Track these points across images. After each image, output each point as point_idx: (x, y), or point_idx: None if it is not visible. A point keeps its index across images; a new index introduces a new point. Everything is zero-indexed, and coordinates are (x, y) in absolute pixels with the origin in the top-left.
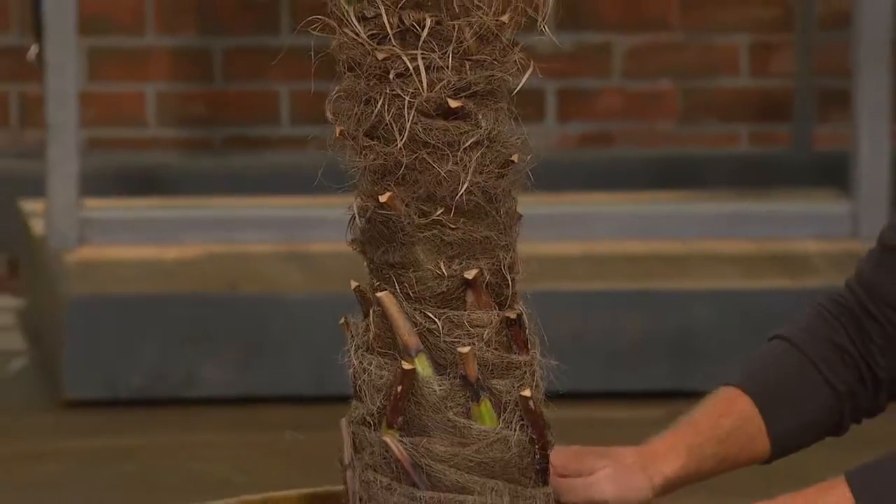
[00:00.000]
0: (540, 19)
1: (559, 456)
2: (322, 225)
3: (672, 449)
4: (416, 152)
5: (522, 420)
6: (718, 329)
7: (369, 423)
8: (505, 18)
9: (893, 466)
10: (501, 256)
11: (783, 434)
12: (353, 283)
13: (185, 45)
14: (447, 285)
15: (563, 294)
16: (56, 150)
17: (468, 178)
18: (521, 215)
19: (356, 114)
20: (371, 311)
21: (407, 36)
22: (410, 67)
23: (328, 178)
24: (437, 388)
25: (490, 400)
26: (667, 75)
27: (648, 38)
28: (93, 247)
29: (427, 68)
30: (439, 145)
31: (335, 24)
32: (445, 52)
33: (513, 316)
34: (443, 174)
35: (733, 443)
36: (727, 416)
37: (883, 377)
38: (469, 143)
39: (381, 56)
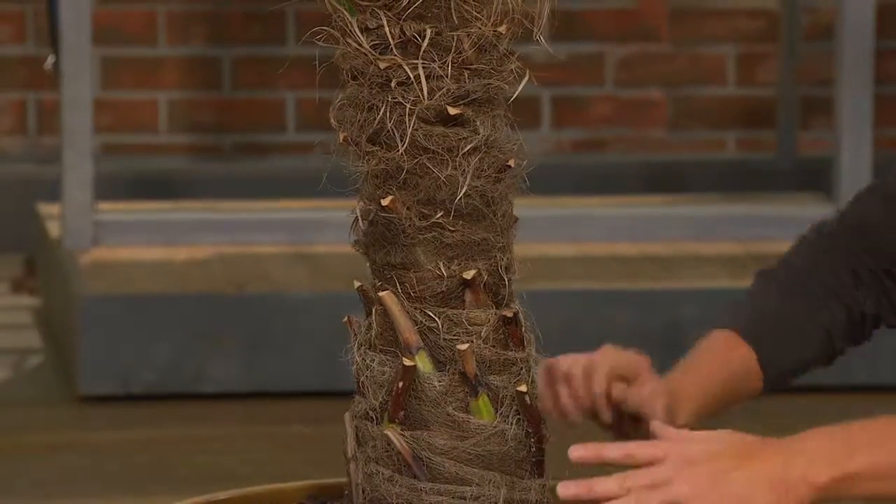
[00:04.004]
0: (536, 30)
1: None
2: (326, 227)
3: (686, 396)
4: (416, 157)
5: (519, 414)
6: (705, 326)
7: (372, 417)
8: (502, 29)
9: None
10: (498, 257)
11: (777, 374)
12: (357, 283)
13: (196, 54)
14: (446, 285)
15: (558, 293)
16: (71, 155)
17: (467, 183)
18: (517, 218)
19: (359, 121)
20: (373, 310)
21: (408, 46)
22: (411, 76)
23: (332, 183)
24: (436, 383)
25: (488, 395)
26: (657, 84)
27: (639, 48)
28: (106, 248)
29: (427, 77)
30: (439, 151)
31: (339, 35)
32: (445, 62)
33: (509, 314)
34: (442, 178)
35: (733, 387)
36: (727, 363)
37: (868, 313)
38: (467, 148)
39: (383, 65)
